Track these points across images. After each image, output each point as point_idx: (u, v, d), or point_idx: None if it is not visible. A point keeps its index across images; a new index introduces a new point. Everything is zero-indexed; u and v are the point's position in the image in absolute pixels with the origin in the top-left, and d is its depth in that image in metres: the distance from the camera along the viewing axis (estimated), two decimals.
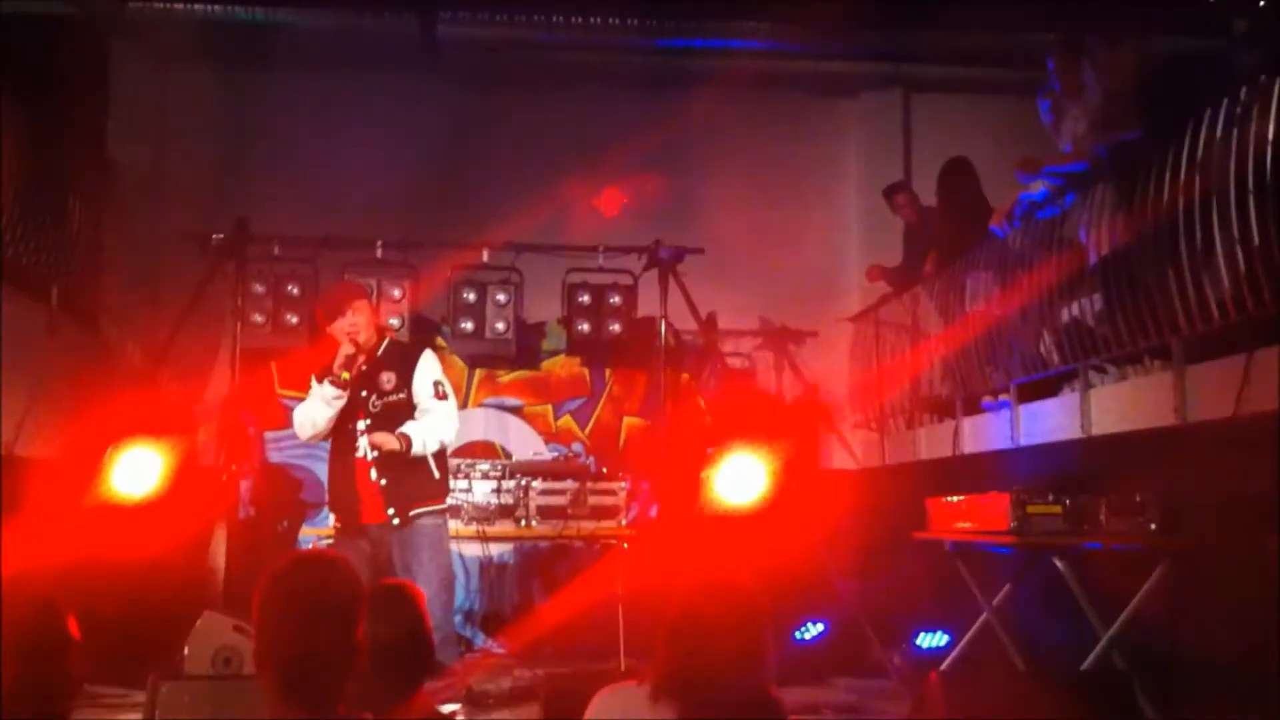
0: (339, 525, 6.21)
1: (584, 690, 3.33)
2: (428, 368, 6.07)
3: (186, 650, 6.32)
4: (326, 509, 7.73)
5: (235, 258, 8.46)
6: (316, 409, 5.98)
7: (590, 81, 10.44)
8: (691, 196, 10.06)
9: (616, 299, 8.96)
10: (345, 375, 5.88)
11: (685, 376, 9.86)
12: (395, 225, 8.98)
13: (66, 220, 8.90)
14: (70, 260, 8.98)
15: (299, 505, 9.12)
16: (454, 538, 6.99)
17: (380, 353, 6.08)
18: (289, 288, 8.59)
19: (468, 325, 8.72)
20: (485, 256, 8.73)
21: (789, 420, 9.80)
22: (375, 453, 5.92)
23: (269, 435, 9.48)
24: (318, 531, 7.86)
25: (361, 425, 5.98)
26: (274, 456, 9.49)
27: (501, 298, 8.76)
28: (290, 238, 8.64)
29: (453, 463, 7.02)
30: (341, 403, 5.91)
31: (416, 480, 6.01)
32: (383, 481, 5.94)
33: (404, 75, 10.18)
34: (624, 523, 7.91)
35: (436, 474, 6.11)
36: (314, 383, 6.00)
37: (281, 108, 10.16)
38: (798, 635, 7.83)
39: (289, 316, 8.58)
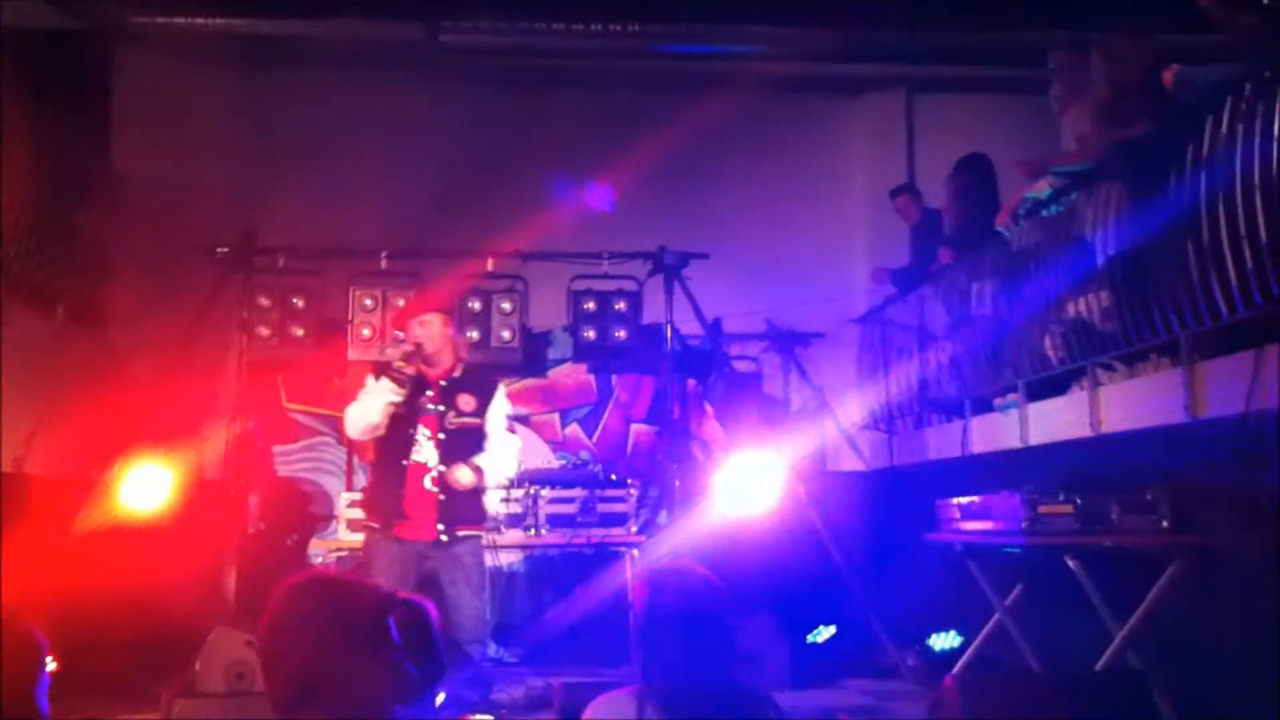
0: (376, 528, 5.79)
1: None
2: (503, 401, 5.95)
3: (198, 666, 6.33)
4: (337, 519, 7.76)
5: (242, 269, 8.46)
6: (371, 405, 5.70)
7: (594, 87, 10.47)
8: (696, 200, 10.07)
9: (622, 305, 8.94)
10: (403, 366, 5.65)
11: (692, 382, 9.85)
12: (401, 234, 9.00)
13: (74, 232, 8.92)
14: (78, 272, 9.00)
15: (308, 518, 9.13)
16: None
17: (460, 374, 5.87)
18: (295, 300, 8.58)
19: (473, 334, 8.61)
20: (490, 265, 8.73)
21: (797, 423, 9.82)
22: (441, 468, 5.68)
23: (276, 449, 9.50)
24: (327, 545, 7.85)
25: (426, 436, 5.73)
26: (282, 470, 9.50)
27: (507, 306, 8.73)
28: (296, 248, 8.64)
29: None
30: (399, 398, 5.65)
31: (470, 500, 5.82)
32: (441, 496, 5.68)
33: (409, 83, 10.18)
34: (634, 529, 7.90)
35: (485, 498, 6.02)
36: (370, 380, 5.78)
37: (288, 115, 10.12)
38: (810, 637, 7.81)
39: (295, 329, 8.57)
